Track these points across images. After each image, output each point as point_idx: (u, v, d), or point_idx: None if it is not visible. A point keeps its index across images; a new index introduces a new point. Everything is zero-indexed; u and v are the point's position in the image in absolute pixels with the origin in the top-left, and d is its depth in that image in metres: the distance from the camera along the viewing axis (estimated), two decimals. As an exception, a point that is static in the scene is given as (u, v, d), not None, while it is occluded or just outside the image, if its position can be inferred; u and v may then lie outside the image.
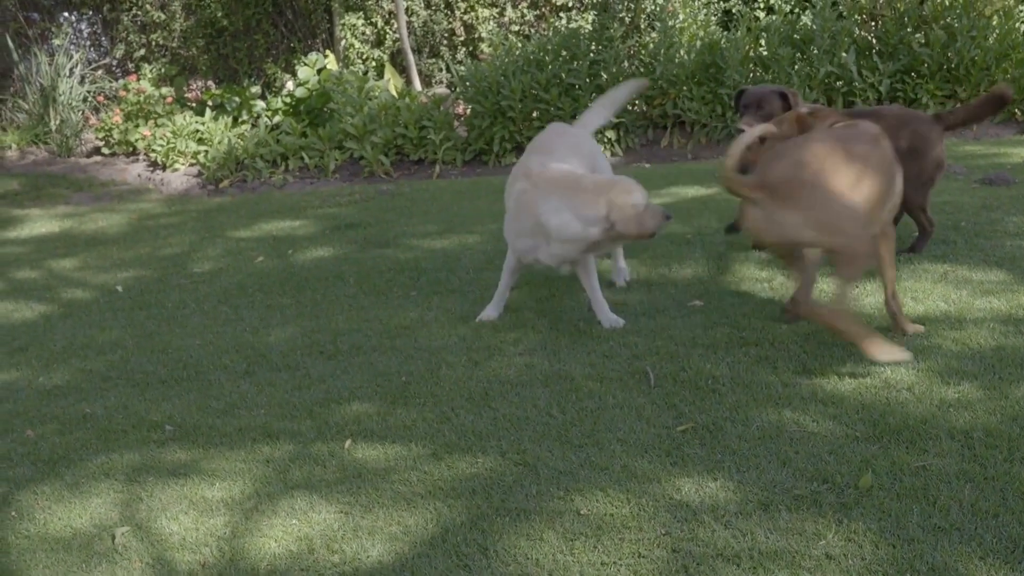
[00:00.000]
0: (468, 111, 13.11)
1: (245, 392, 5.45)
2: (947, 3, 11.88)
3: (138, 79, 15.03)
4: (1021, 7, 12.38)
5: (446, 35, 16.53)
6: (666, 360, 5.22)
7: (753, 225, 4.77)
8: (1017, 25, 11.86)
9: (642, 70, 12.70)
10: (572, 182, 5.55)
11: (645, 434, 4.44)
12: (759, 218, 4.70)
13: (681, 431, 4.44)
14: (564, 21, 15.24)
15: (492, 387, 5.11)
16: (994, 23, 11.69)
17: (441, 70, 16.44)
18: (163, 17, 17.11)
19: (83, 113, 15.36)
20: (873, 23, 12.38)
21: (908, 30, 11.91)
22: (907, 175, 5.94)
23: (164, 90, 14.87)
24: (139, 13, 17.20)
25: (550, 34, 13.36)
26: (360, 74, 14.23)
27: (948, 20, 11.73)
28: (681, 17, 12.82)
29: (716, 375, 4.97)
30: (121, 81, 15.72)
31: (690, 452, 4.24)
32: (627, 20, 13.29)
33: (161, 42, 17.27)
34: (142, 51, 17.26)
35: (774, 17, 12.98)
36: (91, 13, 17.69)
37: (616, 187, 5.49)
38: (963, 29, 11.51)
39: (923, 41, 11.78)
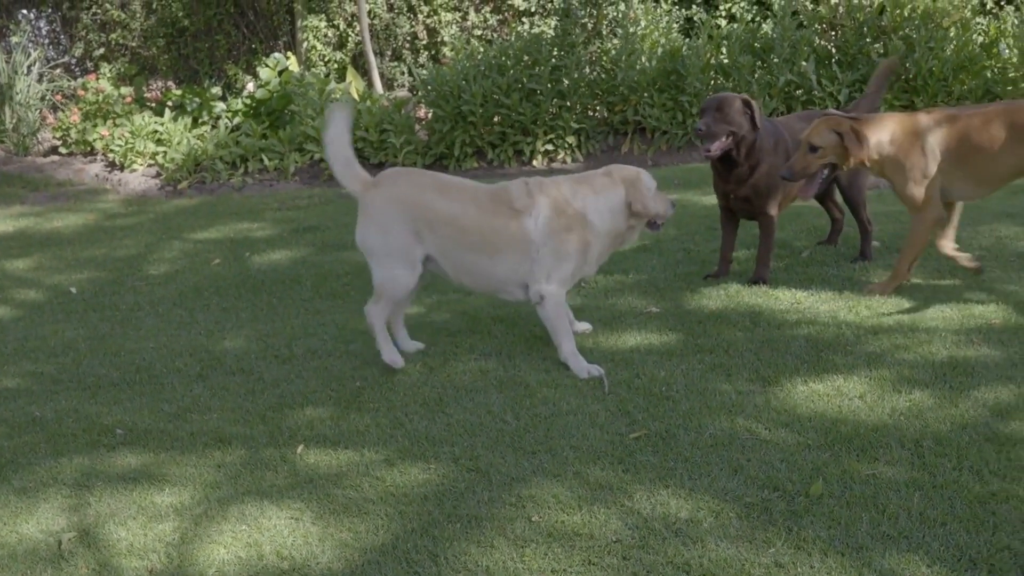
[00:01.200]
0: (429, 115, 13.07)
1: (198, 396, 5.41)
2: (906, 14, 11.96)
3: (97, 78, 14.88)
4: (978, 20, 12.52)
5: (408, 38, 16.49)
6: (621, 367, 5.23)
7: None
8: (974, 37, 11.97)
9: (603, 76, 12.72)
10: (583, 178, 5.49)
11: (598, 441, 4.45)
12: None
13: (634, 438, 4.44)
14: (526, 26, 15.24)
15: (446, 393, 5.10)
16: (952, 35, 11.80)
17: (403, 73, 16.40)
18: (123, 16, 16.98)
19: (40, 112, 15.21)
20: (833, 33, 12.46)
21: (867, 40, 11.99)
22: (846, 175, 6.08)
23: (123, 90, 14.74)
24: (99, 11, 17.06)
25: (512, 39, 13.34)
26: (321, 76, 14.17)
27: (907, 31, 11.82)
28: (643, 24, 12.84)
29: (670, 382, 4.98)
30: (80, 80, 15.58)
31: (642, 459, 4.25)
32: (589, 26, 13.30)
33: (121, 41, 17.14)
34: (101, 50, 17.11)
35: (735, 25, 13.03)
36: (50, 11, 17.52)
37: (626, 174, 5.48)
38: (921, 40, 11.60)
39: (882, 51, 11.86)
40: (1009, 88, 11.58)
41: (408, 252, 5.31)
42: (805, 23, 12.45)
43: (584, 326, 5.81)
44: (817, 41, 12.29)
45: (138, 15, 17.02)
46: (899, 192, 5.91)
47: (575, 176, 5.47)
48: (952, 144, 5.77)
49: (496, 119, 12.46)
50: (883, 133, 5.80)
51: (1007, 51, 11.69)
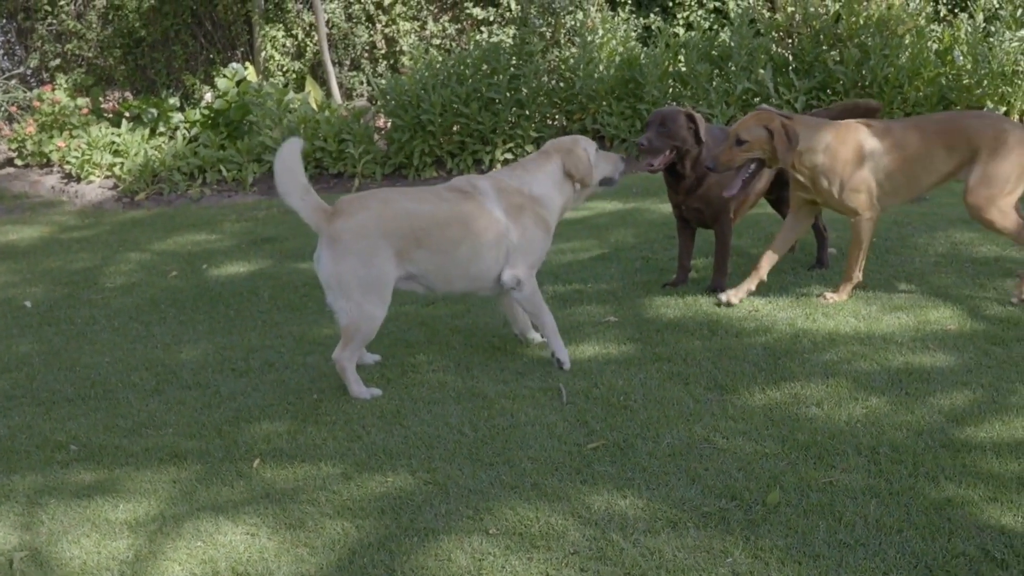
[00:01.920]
0: (388, 125, 13.05)
1: (154, 411, 5.36)
2: (861, 22, 12.07)
3: (53, 89, 14.77)
4: (932, 27, 12.64)
5: (367, 48, 16.45)
6: (579, 377, 5.22)
7: None
8: (929, 44, 12.09)
9: (562, 85, 12.74)
10: (517, 163, 5.57)
11: (556, 452, 4.43)
12: None
13: (592, 448, 4.43)
14: (485, 35, 15.25)
15: (404, 405, 5.08)
16: (907, 42, 11.91)
17: (362, 83, 16.36)
18: (79, 26, 16.84)
19: (-5, 124, 15.08)
20: (789, 40, 12.55)
21: (824, 48, 12.09)
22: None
23: (80, 101, 14.63)
24: (55, 22, 16.91)
25: (471, 48, 13.34)
26: (280, 86, 14.11)
27: (862, 38, 11.92)
28: (600, 32, 12.88)
29: (628, 391, 4.98)
30: (36, 91, 15.44)
31: (600, 470, 4.24)
32: (547, 35, 13.33)
33: (77, 52, 16.99)
34: (57, 61, 16.96)
35: (693, 34, 13.09)
36: (5, 21, 17.36)
37: (560, 144, 5.55)
38: (876, 47, 11.70)
39: (838, 59, 11.96)
40: (964, 94, 11.70)
41: (386, 282, 5.12)
42: (762, 31, 12.54)
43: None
44: (774, 49, 12.38)
45: (94, 25, 16.88)
46: (833, 201, 5.93)
47: (509, 165, 5.53)
48: (886, 155, 5.81)
49: (455, 128, 12.45)
50: (816, 140, 5.81)
51: (961, 58, 11.81)
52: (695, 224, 6.53)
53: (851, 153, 5.80)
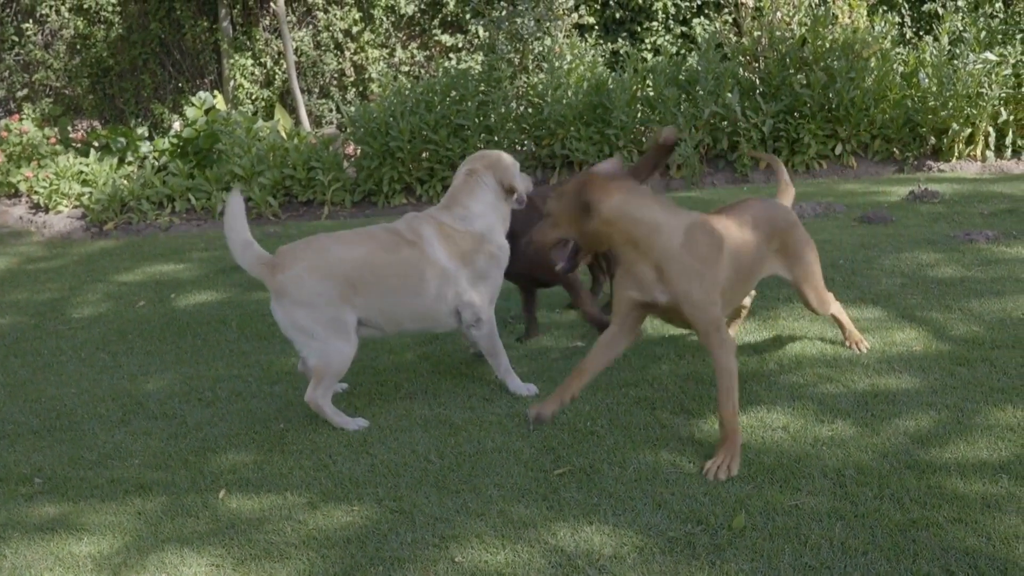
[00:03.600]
0: (358, 152, 13.06)
1: (119, 442, 5.32)
2: (827, 45, 12.17)
3: (20, 119, 14.70)
4: (898, 50, 12.75)
5: (336, 75, 16.48)
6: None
7: None
8: (894, 67, 12.20)
9: (530, 110, 12.78)
10: (450, 198, 5.46)
11: (523, 478, 4.42)
12: None
13: (558, 475, 4.43)
14: (453, 62, 15.29)
15: (371, 433, 5.06)
16: (872, 65, 12.01)
17: (331, 111, 16.37)
18: (47, 56, 16.79)
19: (-37, 154, 14.99)
20: (756, 64, 12.63)
21: (790, 71, 12.18)
22: None
23: (47, 131, 14.57)
24: (21, 52, 16.86)
25: (439, 75, 13.38)
26: (249, 114, 14.10)
27: (828, 62, 12.02)
28: (568, 58, 12.93)
29: (595, 416, 4.97)
30: (2, 121, 15.37)
31: (567, 496, 4.23)
32: (515, 61, 13.38)
33: (45, 82, 16.94)
34: (25, 91, 16.91)
35: (660, 58, 13.17)
36: (-29, 52, 17.32)
37: (486, 157, 5.50)
38: (842, 70, 11.80)
39: (804, 82, 12.05)
40: (929, 116, 11.81)
41: (341, 318, 5.09)
42: (729, 55, 12.62)
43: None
44: (741, 73, 12.46)
45: (62, 55, 16.84)
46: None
47: (443, 201, 5.48)
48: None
49: (424, 155, 12.47)
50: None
51: (927, 80, 11.93)
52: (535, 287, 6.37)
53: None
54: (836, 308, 5.55)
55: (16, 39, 16.82)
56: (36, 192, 13.45)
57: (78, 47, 16.90)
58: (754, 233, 4.88)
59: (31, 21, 16.82)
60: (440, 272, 5.22)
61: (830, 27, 12.37)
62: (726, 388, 4.40)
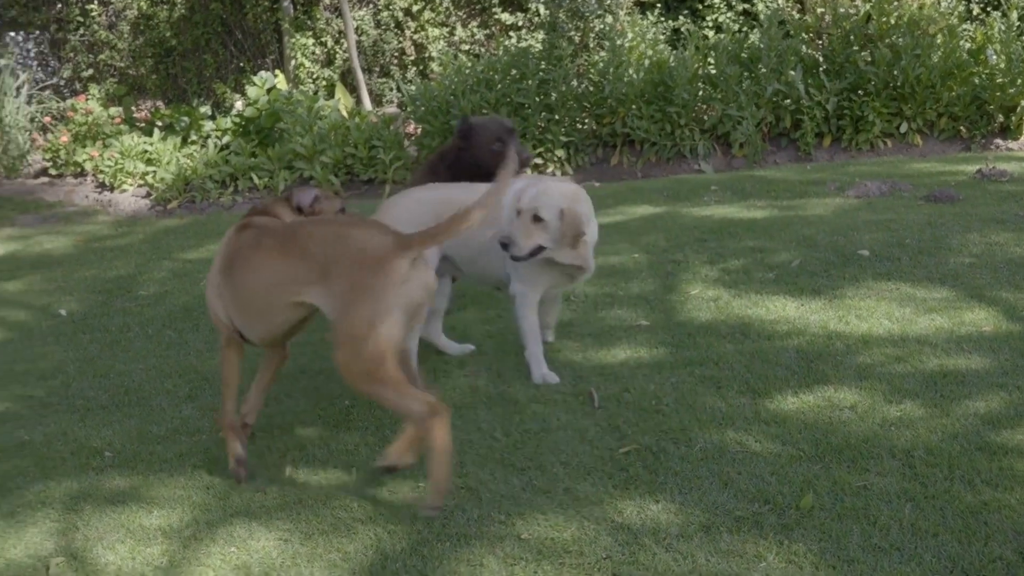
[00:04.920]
0: (418, 130, 13.08)
1: (187, 417, 5.39)
2: (892, 22, 12.01)
3: (86, 99, 14.88)
4: (964, 26, 12.55)
5: (396, 54, 16.49)
6: (610, 381, 5.21)
7: None
8: (961, 43, 12.01)
9: (591, 89, 12.73)
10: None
11: (588, 456, 4.43)
12: None
13: (624, 453, 4.42)
14: (514, 40, 15.25)
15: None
16: (938, 41, 11.83)
17: (391, 89, 16.39)
18: (111, 37, 16.97)
19: (30, 134, 15.19)
20: (820, 41, 12.49)
21: (854, 48, 12.02)
22: None
23: (112, 110, 14.73)
24: (87, 33, 17.04)
25: (500, 53, 13.36)
26: (310, 94, 14.15)
27: (893, 38, 11.86)
28: (630, 36, 12.86)
29: (660, 396, 4.96)
30: (69, 101, 15.57)
31: (633, 474, 4.23)
32: (576, 39, 13.31)
33: (109, 62, 17.12)
34: (90, 71, 17.10)
35: (722, 36, 13.06)
36: (38, 33, 17.50)
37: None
38: (908, 47, 11.63)
39: (869, 59, 11.89)
40: (997, 94, 11.61)
41: None
42: (792, 32, 12.48)
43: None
44: (804, 50, 12.31)
45: (126, 35, 17.01)
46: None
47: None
48: None
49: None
50: None
51: (994, 57, 11.72)
52: None
53: None
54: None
55: (81, 20, 17.00)
56: (101, 171, 13.61)
57: (142, 27, 17.05)
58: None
59: (96, 2, 17.00)
60: None
61: (896, 3, 12.19)
62: None
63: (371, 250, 4.05)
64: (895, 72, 11.70)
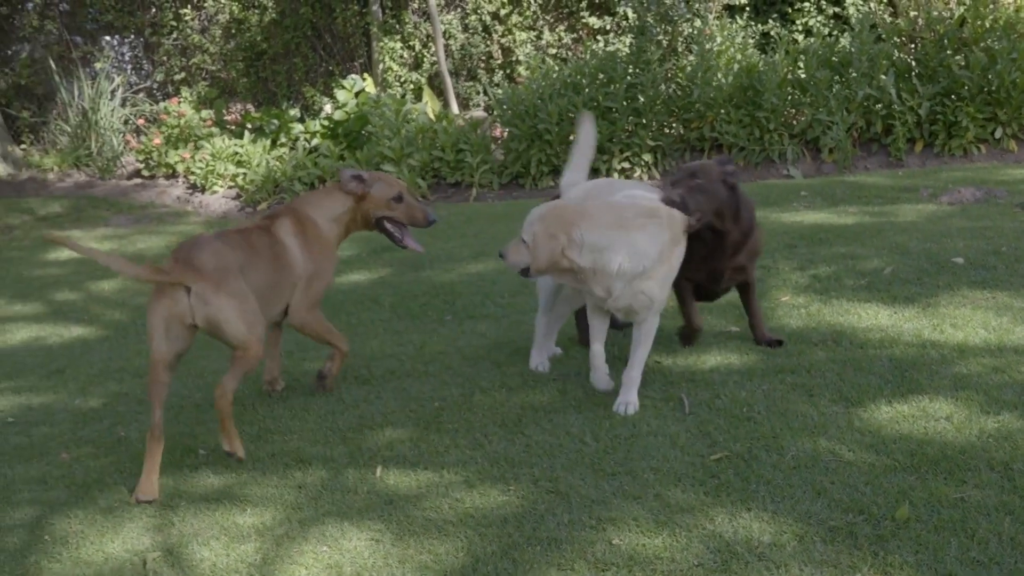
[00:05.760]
0: (505, 134, 13.13)
1: (279, 417, 5.45)
2: (987, 25, 11.79)
3: (178, 102, 15.16)
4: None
5: (484, 58, 16.57)
6: (701, 387, 5.18)
7: None
8: (1059, 47, 11.77)
9: (679, 93, 12.68)
10: None
11: (679, 463, 4.40)
12: None
13: (715, 460, 4.39)
14: (601, 44, 15.23)
15: (525, 414, 5.09)
16: (1036, 45, 11.60)
17: (478, 93, 16.47)
18: (203, 41, 17.28)
19: (124, 136, 15.51)
20: (912, 45, 12.31)
21: (948, 52, 11.82)
22: None
23: (204, 113, 14.99)
24: (180, 37, 17.36)
25: (587, 57, 13.36)
26: (398, 97, 14.28)
27: (988, 42, 11.64)
28: (719, 40, 12.79)
29: (751, 403, 4.92)
30: (161, 104, 15.87)
31: (724, 481, 4.20)
32: (664, 43, 13.27)
33: (201, 65, 17.43)
34: (182, 74, 17.41)
35: (812, 40, 12.94)
36: (133, 36, 17.88)
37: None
38: (1003, 51, 11.40)
39: (963, 63, 11.69)
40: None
41: None
42: (883, 36, 12.32)
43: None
44: (896, 54, 12.14)
45: (217, 39, 17.30)
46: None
47: None
48: None
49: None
50: None
51: (1093, 62, 11.46)
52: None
53: None
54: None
55: (175, 24, 17.33)
56: (193, 173, 13.86)
57: (233, 31, 17.33)
58: None
59: (189, 7, 17.32)
60: None
61: (991, 6, 11.96)
62: None
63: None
64: (990, 76, 11.48)
